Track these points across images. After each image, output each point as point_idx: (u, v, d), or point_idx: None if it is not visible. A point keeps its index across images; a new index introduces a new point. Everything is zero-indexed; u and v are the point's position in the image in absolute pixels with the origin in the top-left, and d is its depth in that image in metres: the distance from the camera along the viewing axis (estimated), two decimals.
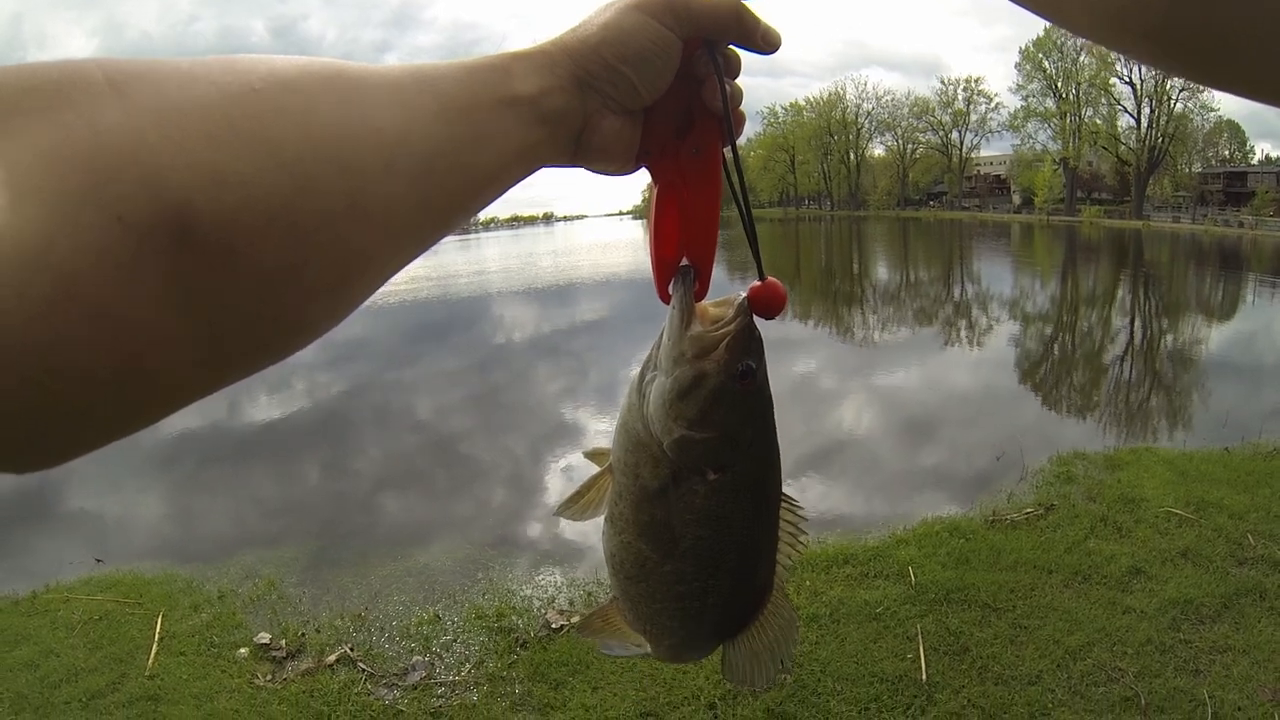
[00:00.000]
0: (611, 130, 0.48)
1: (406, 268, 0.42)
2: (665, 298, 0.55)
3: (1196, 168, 62.62)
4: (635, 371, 0.55)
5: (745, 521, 0.56)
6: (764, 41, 0.50)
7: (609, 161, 0.50)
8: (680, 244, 0.55)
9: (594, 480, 0.58)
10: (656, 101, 0.50)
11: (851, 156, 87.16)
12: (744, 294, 0.54)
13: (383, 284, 0.39)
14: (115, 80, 0.28)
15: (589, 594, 3.65)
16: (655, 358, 0.53)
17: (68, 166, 0.26)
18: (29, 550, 5.11)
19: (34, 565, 4.52)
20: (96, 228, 0.25)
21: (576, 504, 0.59)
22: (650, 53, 0.46)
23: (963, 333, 12.29)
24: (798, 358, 9.91)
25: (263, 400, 9.62)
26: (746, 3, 0.49)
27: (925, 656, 2.92)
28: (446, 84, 0.40)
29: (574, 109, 0.46)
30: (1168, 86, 55.98)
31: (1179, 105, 57.11)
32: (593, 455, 0.61)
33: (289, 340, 0.35)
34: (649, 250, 0.55)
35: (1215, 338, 11.39)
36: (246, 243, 0.29)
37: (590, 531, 4.60)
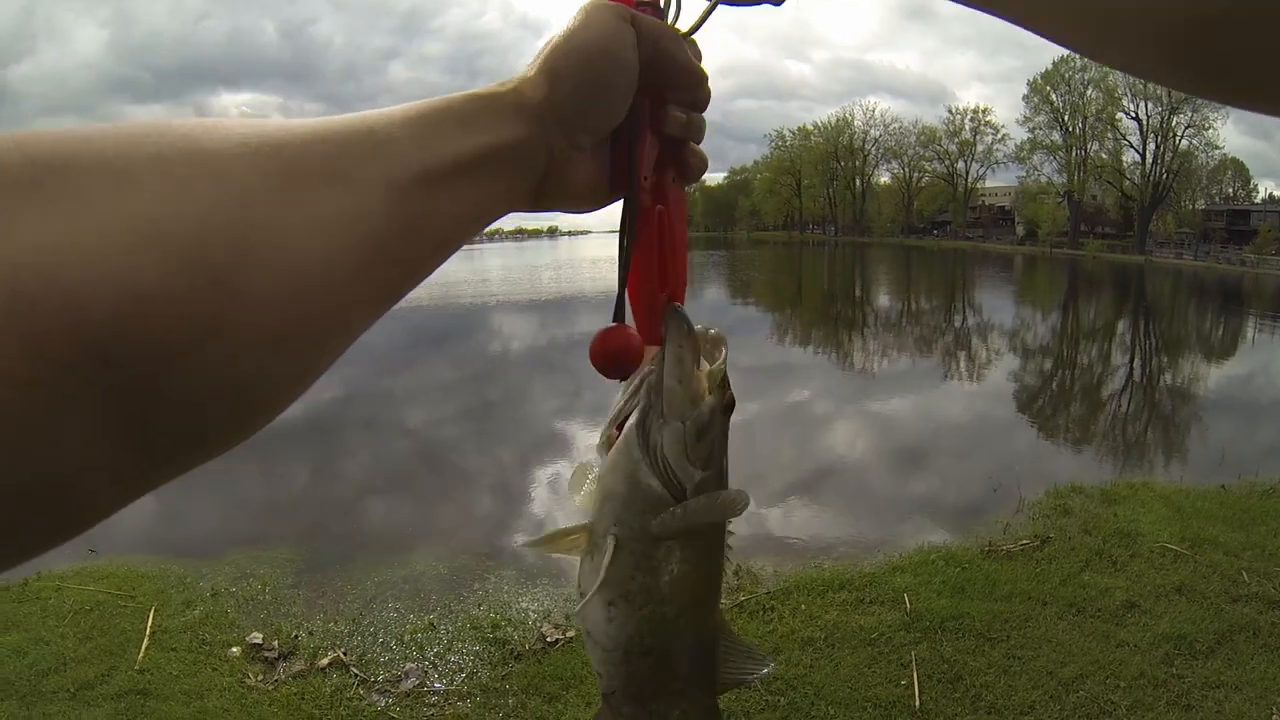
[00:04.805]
0: (579, 171, 0.45)
1: None
2: (651, 338, 0.50)
3: (1200, 205, 62.90)
4: (608, 432, 0.50)
5: (720, 559, 0.53)
6: (701, 102, 0.48)
7: (575, 203, 0.46)
8: (667, 279, 0.51)
9: (569, 531, 0.50)
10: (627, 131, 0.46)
11: (857, 183, 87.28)
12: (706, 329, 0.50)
13: (332, 361, 0.36)
14: (36, 174, 0.25)
15: None
16: (657, 405, 0.48)
17: None
18: None
19: None
20: (11, 358, 0.23)
21: (553, 543, 0.51)
22: (619, 84, 0.43)
23: (962, 363, 12.31)
24: (797, 383, 9.95)
25: None
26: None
27: (919, 684, 2.92)
28: (398, 148, 0.35)
29: (539, 154, 0.42)
30: (1173, 123, 56.19)
31: (1184, 142, 57.04)
32: (552, 539, 0.51)
33: (230, 441, 0.31)
34: (631, 289, 0.50)
35: (1214, 375, 11.45)
36: (180, 366, 0.27)
37: None
